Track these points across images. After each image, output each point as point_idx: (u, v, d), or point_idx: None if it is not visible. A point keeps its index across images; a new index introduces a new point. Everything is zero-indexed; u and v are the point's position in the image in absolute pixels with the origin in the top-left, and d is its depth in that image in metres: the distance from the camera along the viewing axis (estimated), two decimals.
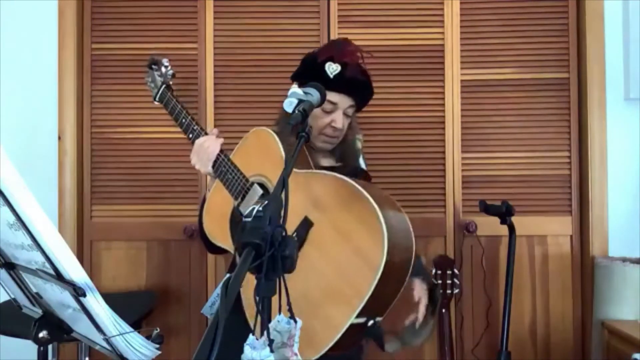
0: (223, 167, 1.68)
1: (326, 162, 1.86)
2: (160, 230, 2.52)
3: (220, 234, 1.68)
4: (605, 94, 2.46)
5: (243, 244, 0.92)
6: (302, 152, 1.64)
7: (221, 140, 1.72)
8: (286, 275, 1.04)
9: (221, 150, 1.70)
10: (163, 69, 2.01)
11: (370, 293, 1.34)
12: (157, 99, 1.96)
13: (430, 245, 2.48)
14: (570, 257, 2.52)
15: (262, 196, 1.63)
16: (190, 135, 1.79)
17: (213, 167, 1.69)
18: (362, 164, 1.94)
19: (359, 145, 1.93)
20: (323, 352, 1.36)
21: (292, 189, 1.25)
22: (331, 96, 1.71)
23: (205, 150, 1.70)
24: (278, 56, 2.51)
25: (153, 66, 2.03)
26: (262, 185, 1.65)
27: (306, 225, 1.47)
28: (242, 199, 1.65)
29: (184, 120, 1.82)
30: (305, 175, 1.55)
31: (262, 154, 1.66)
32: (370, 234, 1.37)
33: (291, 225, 1.46)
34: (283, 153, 1.60)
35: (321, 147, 1.84)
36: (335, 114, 1.77)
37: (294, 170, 1.49)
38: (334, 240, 1.43)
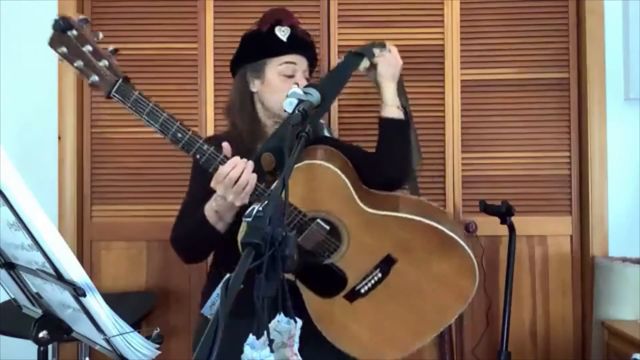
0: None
1: None
2: (160, 230, 2.51)
3: None
4: (605, 94, 2.46)
5: (243, 244, 0.92)
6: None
7: (251, 163, 1.49)
8: (374, 299, 1.46)
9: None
10: (87, 41, 1.47)
11: (458, 314, 1.64)
12: (114, 93, 1.51)
13: None
14: (570, 257, 2.52)
15: (330, 233, 1.56)
16: (199, 157, 1.49)
17: (251, 199, 1.50)
18: (326, 132, 1.98)
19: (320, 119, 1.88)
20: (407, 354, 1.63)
21: (368, 229, 1.55)
22: (289, 58, 1.72)
23: (240, 184, 1.47)
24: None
25: (69, 31, 1.49)
26: (325, 221, 1.57)
27: (389, 261, 1.59)
28: (299, 234, 1.55)
29: (180, 135, 1.48)
30: (378, 216, 1.57)
31: (321, 189, 1.56)
32: (459, 267, 1.57)
33: (370, 262, 1.59)
34: (350, 188, 1.54)
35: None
36: (297, 75, 1.72)
37: (363, 207, 1.55)
38: (420, 275, 1.59)
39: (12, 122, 2.51)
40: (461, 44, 2.52)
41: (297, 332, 1.03)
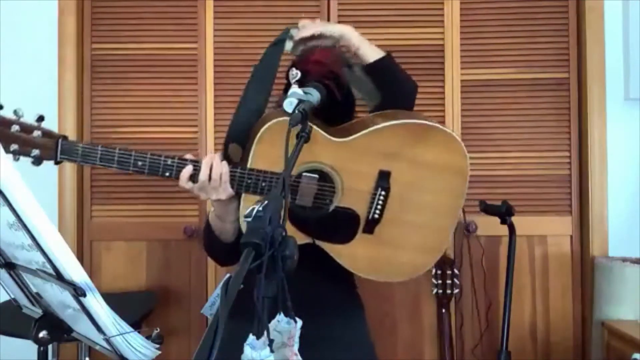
0: (247, 179, 1.49)
1: None
2: (160, 230, 2.52)
3: None
4: (605, 94, 2.46)
5: (243, 244, 0.92)
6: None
7: (218, 154, 1.51)
8: (390, 218, 1.51)
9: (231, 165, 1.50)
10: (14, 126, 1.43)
11: (465, 191, 1.62)
12: (61, 156, 1.47)
13: None
14: (570, 257, 2.52)
15: (321, 179, 1.57)
16: (168, 174, 1.48)
17: (233, 187, 1.49)
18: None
19: None
20: (442, 252, 1.66)
21: (351, 157, 1.55)
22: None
23: (214, 178, 1.47)
24: None
25: None
26: (311, 171, 1.57)
27: (384, 176, 1.58)
28: (294, 195, 1.55)
29: (140, 163, 1.46)
30: (354, 140, 1.57)
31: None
32: (444, 147, 1.59)
33: (368, 185, 1.58)
34: (317, 128, 1.51)
35: None
36: None
37: (338, 140, 1.55)
38: (416, 172, 1.59)
39: None
40: (461, 44, 2.52)
41: (297, 332, 1.03)
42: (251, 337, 0.92)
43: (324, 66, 1.66)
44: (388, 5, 2.53)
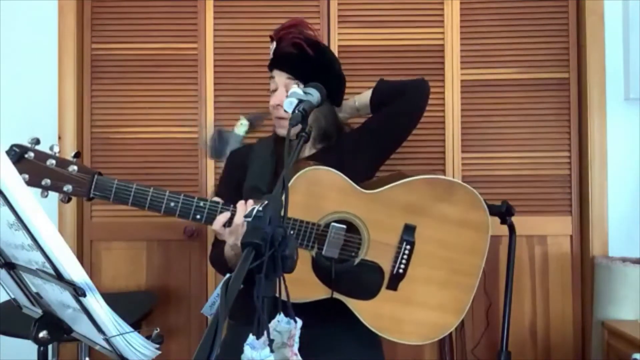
0: None
1: (310, 149, 1.83)
2: (160, 230, 2.52)
3: (302, 290, 1.53)
4: (605, 94, 2.46)
5: (243, 244, 0.92)
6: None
7: (251, 202, 1.51)
8: (415, 274, 1.54)
9: None
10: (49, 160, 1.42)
11: (487, 250, 1.65)
12: (94, 192, 1.46)
13: None
14: (570, 257, 2.52)
15: (349, 230, 1.57)
16: (198, 217, 1.49)
17: None
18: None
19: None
20: (465, 312, 1.63)
21: (378, 209, 1.58)
22: (272, 73, 1.78)
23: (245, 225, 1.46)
24: None
25: (26, 155, 1.43)
26: (338, 222, 1.57)
27: (410, 230, 1.60)
28: (321, 245, 1.55)
29: (173, 205, 1.48)
30: (381, 193, 1.60)
31: (319, 192, 1.57)
32: (467, 204, 1.62)
33: (394, 239, 1.60)
34: (347, 179, 1.57)
35: (279, 133, 1.82)
36: (278, 91, 1.76)
37: (366, 192, 1.59)
38: (440, 228, 1.61)
39: (12, 122, 2.51)
40: (461, 44, 2.52)
41: (297, 332, 1.03)
42: (251, 337, 0.92)
43: (293, 28, 1.76)
44: (388, 5, 2.53)
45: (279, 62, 1.76)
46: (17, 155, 1.41)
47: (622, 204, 2.47)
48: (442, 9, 2.52)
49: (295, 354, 1.02)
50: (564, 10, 2.53)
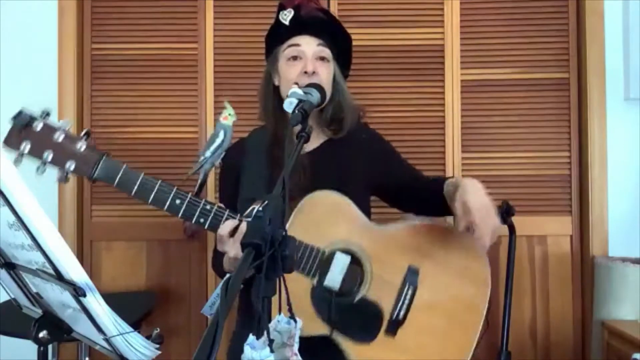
0: None
1: (316, 140, 1.69)
2: (160, 230, 2.52)
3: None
4: (605, 94, 2.46)
5: (243, 244, 0.92)
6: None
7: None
8: (414, 320, 1.43)
9: None
10: (59, 135, 1.35)
11: (487, 305, 1.60)
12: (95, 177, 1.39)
13: None
14: (570, 257, 2.52)
15: (352, 262, 1.50)
16: (202, 220, 1.42)
17: None
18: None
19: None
20: None
21: (385, 246, 1.53)
22: (293, 40, 1.62)
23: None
24: None
25: (34, 123, 1.36)
26: (344, 252, 1.51)
27: (414, 272, 1.54)
28: (324, 274, 1.48)
29: (178, 203, 1.42)
30: (390, 230, 1.56)
31: (329, 219, 1.52)
32: (471, 255, 1.58)
33: (397, 279, 1.54)
34: (358, 210, 1.53)
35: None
36: (305, 57, 1.60)
37: (376, 227, 1.55)
38: (443, 275, 1.55)
39: None
40: (461, 44, 2.52)
41: (297, 332, 1.03)
42: (251, 337, 0.92)
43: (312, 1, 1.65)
44: (388, 5, 2.53)
45: (307, 26, 1.62)
46: (24, 122, 1.34)
47: (622, 204, 2.47)
48: (442, 9, 2.52)
49: (295, 354, 1.02)
50: (564, 10, 2.53)
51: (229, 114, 1.76)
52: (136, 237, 2.53)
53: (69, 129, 1.37)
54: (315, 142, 1.68)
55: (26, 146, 1.34)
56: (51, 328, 1.25)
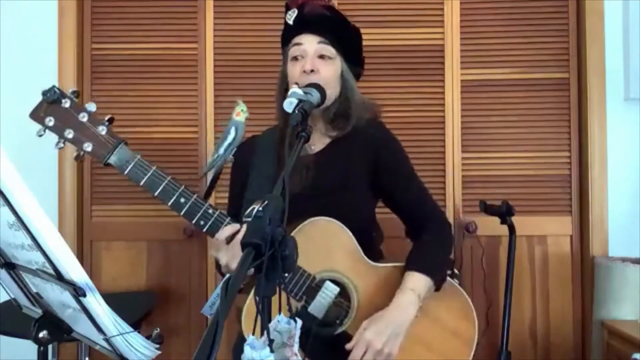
0: None
1: (322, 141, 1.67)
2: (160, 230, 2.52)
3: None
4: (605, 94, 2.46)
5: (243, 244, 0.92)
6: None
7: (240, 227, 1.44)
8: None
9: None
10: (83, 116, 1.40)
11: None
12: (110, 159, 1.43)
13: None
14: (570, 257, 2.52)
15: (341, 294, 1.48)
16: (202, 222, 1.43)
17: None
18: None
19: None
20: None
21: (375, 283, 1.50)
22: (296, 40, 1.62)
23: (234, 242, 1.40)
24: (278, 56, 2.48)
25: (63, 100, 1.41)
26: (334, 282, 1.49)
27: None
28: (310, 300, 1.47)
29: (182, 201, 1.44)
30: (383, 268, 1.54)
31: (325, 247, 1.50)
32: (461, 312, 1.55)
33: None
34: (356, 244, 1.50)
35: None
36: (307, 56, 1.60)
37: (370, 263, 1.52)
38: (428, 327, 1.52)
39: (13, 122, 2.51)
40: (461, 44, 2.52)
41: (297, 332, 1.03)
42: (251, 337, 0.92)
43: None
44: (388, 5, 2.53)
45: (309, 25, 1.61)
46: (54, 98, 1.39)
47: (622, 204, 2.47)
48: (442, 9, 2.52)
49: (295, 354, 1.02)
50: (564, 11, 2.53)
51: (242, 110, 1.76)
52: (136, 237, 2.53)
53: (95, 111, 1.42)
54: (320, 143, 1.67)
55: (50, 121, 1.40)
56: (51, 328, 1.25)
